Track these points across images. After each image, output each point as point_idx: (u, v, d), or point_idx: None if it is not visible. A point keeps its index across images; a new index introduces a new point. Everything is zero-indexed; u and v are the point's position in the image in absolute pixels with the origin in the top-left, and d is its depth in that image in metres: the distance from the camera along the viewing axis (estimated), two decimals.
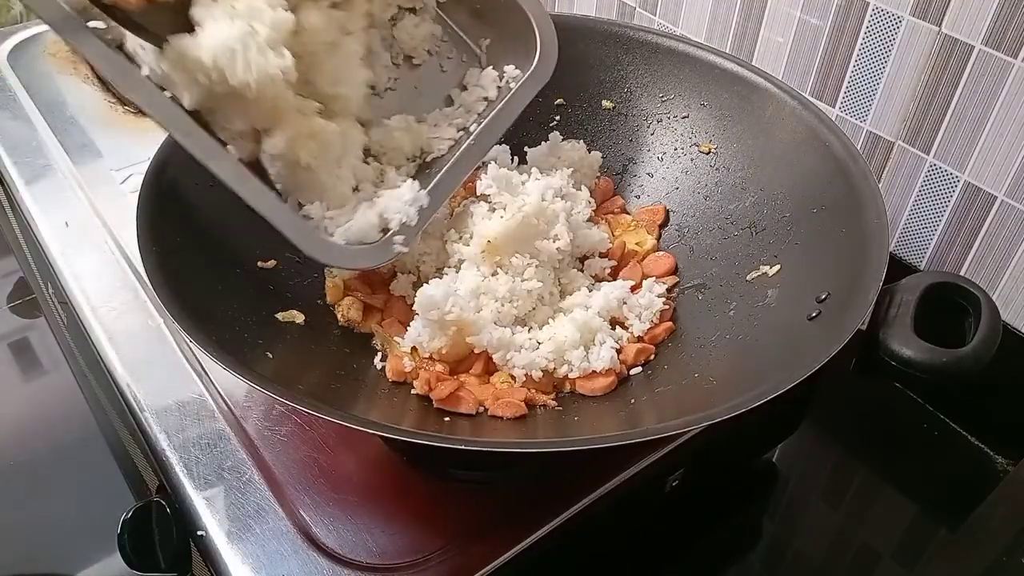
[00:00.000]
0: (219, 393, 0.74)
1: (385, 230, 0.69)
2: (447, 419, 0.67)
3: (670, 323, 0.76)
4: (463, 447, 0.56)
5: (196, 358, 0.77)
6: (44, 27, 1.31)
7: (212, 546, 0.63)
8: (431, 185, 0.71)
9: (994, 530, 0.78)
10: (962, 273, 0.86)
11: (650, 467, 0.67)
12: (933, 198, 0.86)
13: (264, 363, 0.66)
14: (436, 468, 0.68)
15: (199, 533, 0.64)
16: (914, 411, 0.89)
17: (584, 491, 0.65)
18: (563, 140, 0.89)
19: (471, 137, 0.73)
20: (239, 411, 0.73)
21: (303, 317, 0.74)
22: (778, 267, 0.75)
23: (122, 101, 1.14)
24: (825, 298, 0.67)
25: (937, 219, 0.86)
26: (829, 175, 0.74)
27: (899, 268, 0.90)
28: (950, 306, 0.65)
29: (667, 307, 0.77)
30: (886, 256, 0.64)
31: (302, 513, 0.64)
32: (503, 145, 0.91)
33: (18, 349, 1.18)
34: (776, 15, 0.93)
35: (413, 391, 0.69)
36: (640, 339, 0.74)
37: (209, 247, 0.73)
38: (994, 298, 0.83)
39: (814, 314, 0.67)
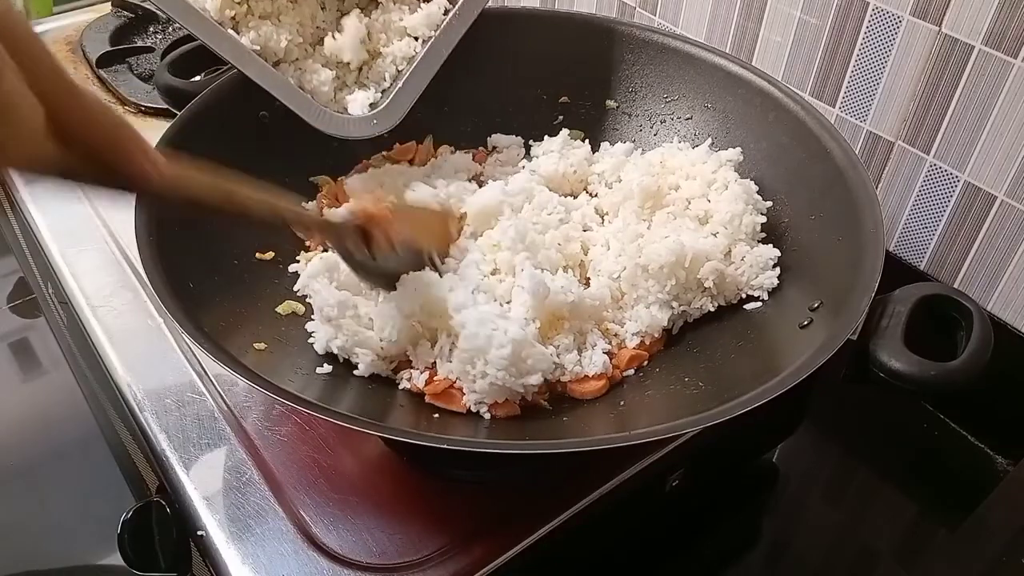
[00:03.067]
0: (219, 393, 0.74)
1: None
2: (436, 416, 0.66)
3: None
4: (459, 448, 0.56)
5: (196, 358, 0.77)
6: (44, 27, 1.32)
7: (212, 546, 0.63)
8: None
9: (994, 530, 0.78)
10: (962, 273, 0.86)
11: (650, 467, 0.67)
12: (933, 198, 0.86)
13: (260, 358, 0.66)
14: (436, 468, 0.68)
15: (199, 533, 0.64)
16: (914, 411, 0.90)
17: (584, 491, 0.65)
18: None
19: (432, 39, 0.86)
20: (239, 411, 0.73)
21: (303, 309, 0.74)
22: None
23: (122, 101, 1.14)
24: (817, 307, 0.67)
25: (937, 219, 0.86)
26: (829, 182, 0.74)
27: (899, 268, 0.90)
28: (943, 318, 0.65)
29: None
30: (880, 267, 0.64)
31: (302, 513, 0.64)
32: (517, 137, 0.92)
33: (18, 349, 1.17)
34: (776, 15, 0.93)
35: (402, 386, 0.69)
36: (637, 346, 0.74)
37: (206, 238, 0.73)
38: (994, 298, 0.84)
39: (805, 322, 0.67)
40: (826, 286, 0.68)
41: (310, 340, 0.71)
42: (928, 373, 0.59)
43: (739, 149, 0.81)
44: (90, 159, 0.45)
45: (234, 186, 0.57)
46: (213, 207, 0.56)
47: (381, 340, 0.69)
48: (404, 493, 0.67)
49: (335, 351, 0.69)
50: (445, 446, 0.55)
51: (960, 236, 0.85)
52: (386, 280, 0.70)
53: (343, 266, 0.73)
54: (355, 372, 0.69)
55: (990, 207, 0.81)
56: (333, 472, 0.67)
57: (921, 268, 0.89)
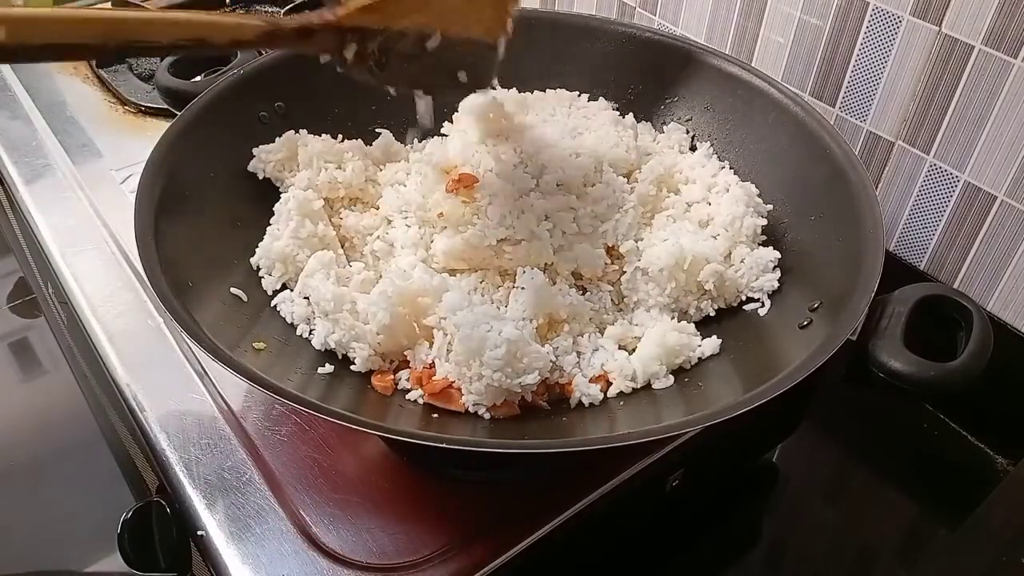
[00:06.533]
0: (219, 393, 0.74)
1: None
2: (436, 415, 0.66)
3: None
4: (459, 447, 0.56)
5: (196, 358, 0.77)
6: None
7: (212, 546, 0.63)
8: None
9: (994, 530, 0.78)
10: (962, 273, 0.86)
11: (650, 467, 0.67)
12: (933, 198, 0.86)
13: (260, 358, 0.66)
14: (436, 468, 0.68)
15: (199, 533, 0.64)
16: (914, 411, 0.90)
17: (584, 491, 0.65)
18: None
19: None
20: (239, 411, 0.73)
21: None
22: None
23: (122, 101, 1.14)
24: (817, 307, 0.67)
25: (937, 219, 0.86)
26: (829, 183, 0.74)
27: (899, 268, 0.90)
28: (943, 319, 0.65)
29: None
30: (879, 268, 0.64)
31: (302, 513, 0.64)
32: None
33: (18, 349, 1.18)
34: (776, 15, 0.93)
35: (401, 386, 0.69)
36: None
37: (206, 238, 0.73)
38: (994, 298, 0.84)
39: (805, 323, 0.67)
40: (826, 286, 0.68)
41: (308, 337, 0.71)
42: (928, 373, 0.59)
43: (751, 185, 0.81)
44: None
45: (119, 13, 0.48)
46: (88, 46, 0.47)
47: (377, 332, 0.68)
48: (404, 493, 0.67)
49: (333, 346, 0.69)
50: (445, 446, 0.55)
51: (960, 236, 0.85)
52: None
53: (340, 261, 0.72)
54: (352, 367, 0.69)
55: (990, 207, 0.81)
56: (333, 472, 0.67)
57: (921, 268, 0.89)
